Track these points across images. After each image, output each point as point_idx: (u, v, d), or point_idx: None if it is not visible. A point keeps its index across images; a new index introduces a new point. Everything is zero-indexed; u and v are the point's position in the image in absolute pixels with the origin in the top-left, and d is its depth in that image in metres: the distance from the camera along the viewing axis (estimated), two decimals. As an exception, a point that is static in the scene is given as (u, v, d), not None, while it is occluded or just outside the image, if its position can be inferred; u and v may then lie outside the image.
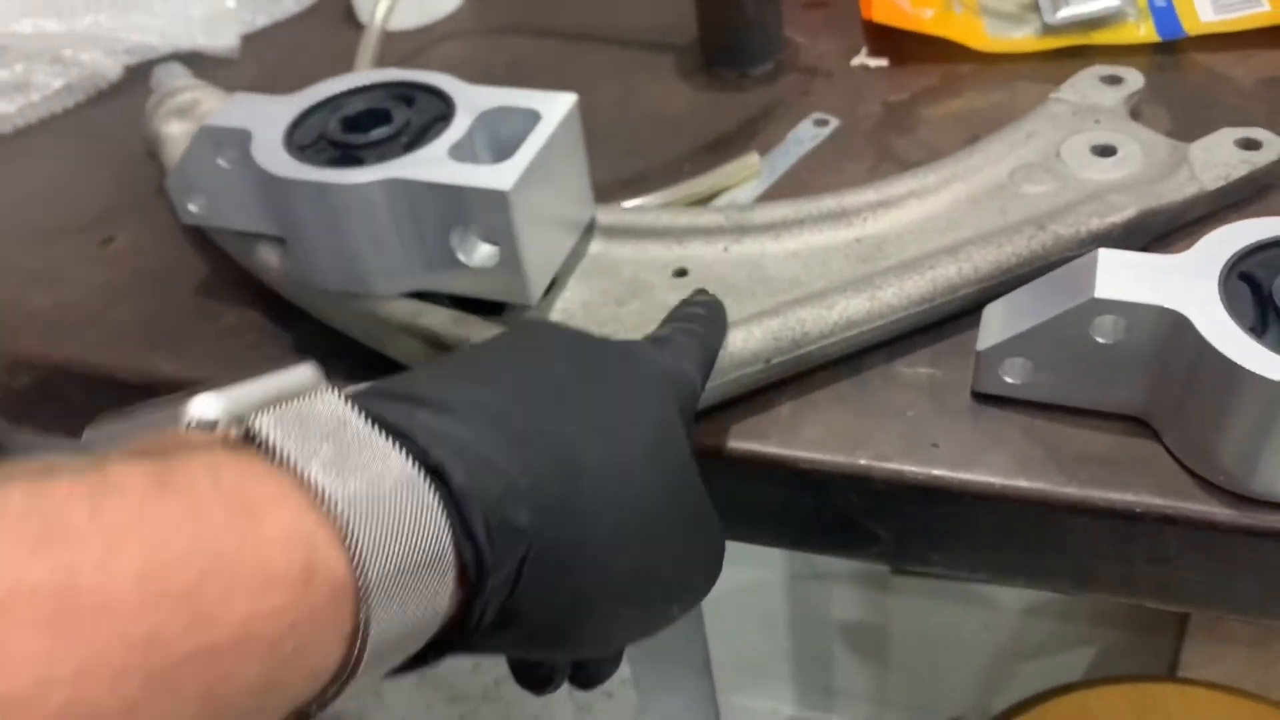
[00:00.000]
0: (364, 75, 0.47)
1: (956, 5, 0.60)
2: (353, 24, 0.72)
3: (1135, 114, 0.53)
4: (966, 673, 1.28)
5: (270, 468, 0.25)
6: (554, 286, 0.46)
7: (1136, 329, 0.38)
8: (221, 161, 0.47)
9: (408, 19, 0.68)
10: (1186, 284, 0.37)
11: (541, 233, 0.44)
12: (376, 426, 0.27)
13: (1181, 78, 0.56)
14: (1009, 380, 0.41)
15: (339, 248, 0.44)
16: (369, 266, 0.44)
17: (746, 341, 0.42)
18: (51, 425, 0.55)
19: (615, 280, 0.47)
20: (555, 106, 0.44)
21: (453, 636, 0.28)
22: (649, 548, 0.31)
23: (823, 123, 0.57)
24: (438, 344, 0.44)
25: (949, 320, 0.45)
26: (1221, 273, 0.37)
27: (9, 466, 0.22)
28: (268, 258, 0.49)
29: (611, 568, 0.30)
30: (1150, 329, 0.37)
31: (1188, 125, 0.53)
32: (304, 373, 0.28)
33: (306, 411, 0.27)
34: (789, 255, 0.47)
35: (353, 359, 0.47)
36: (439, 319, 0.44)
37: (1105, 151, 0.49)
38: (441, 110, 0.45)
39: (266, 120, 0.45)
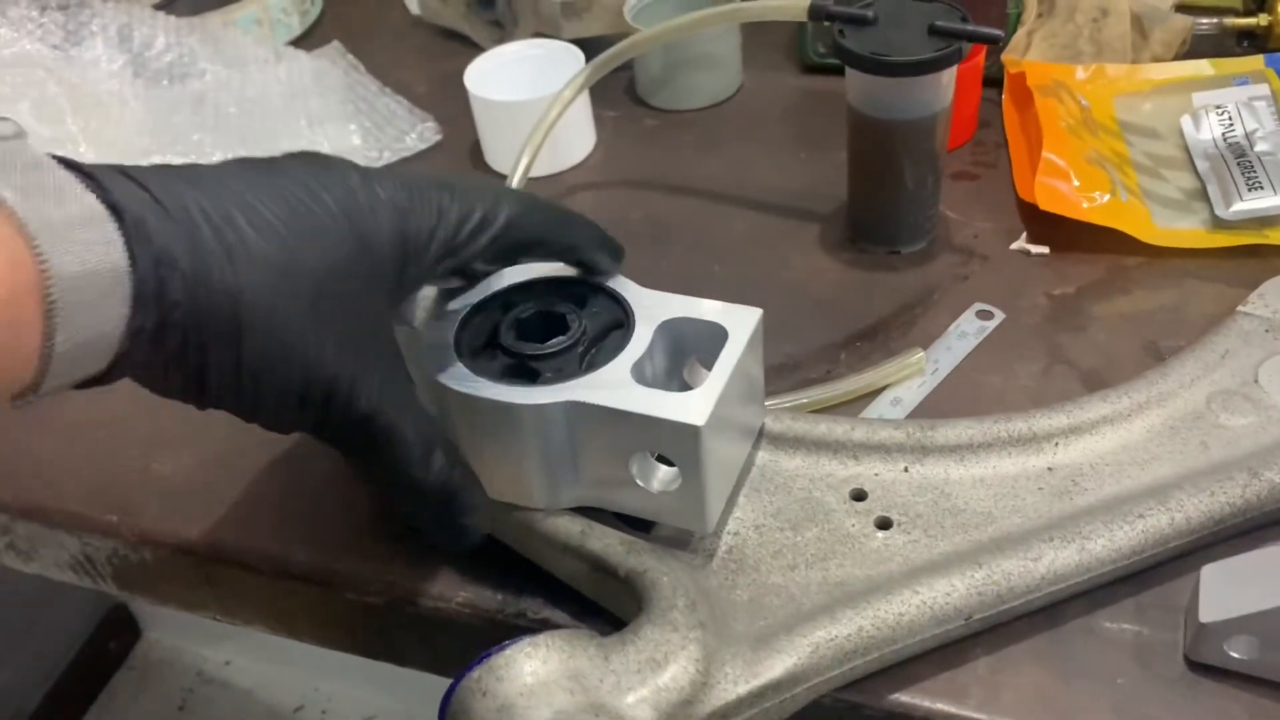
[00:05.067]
0: (532, 270, 0.45)
1: (1122, 192, 0.58)
2: (477, 160, 0.70)
3: (1327, 329, 0.50)
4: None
5: None
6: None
7: (1396, 625, 0.35)
8: None
9: (538, 167, 0.67)
10: None
11: (723, 457, 0.41)
12: (71, 171, 0.31)
13: (1369, 287, 0.54)
14: (1234, 655, 0.38)
15: (507, 460, 0.41)
16: (536, 481, 0.41)
17: (949, 596, 0.39)
18: (169, 598, 0.53)
19: (787, 498, 0.44)
20: (741, 322, 0.42)
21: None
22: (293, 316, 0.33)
23: (986, 315, 0.54)
24: (603, 569, 0.41)
25: (1151, 567, 0.42)
26: None
27: None
28: (418, 451, 0.46)
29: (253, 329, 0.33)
30: None
31: (1386, 346, 0.50)
32: (6, 127, 0.31)
33: (7, 151, 0.30)
34: (975, 482, 0.44)
35: (505, 569, 0.45)
36: (608, 543, 0.41)
37: (1308, 380, 0.46)
38: (616, 314, 0.43)
39: (433, 319, 0.43)
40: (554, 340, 0.42)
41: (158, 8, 0.85)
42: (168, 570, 0.50)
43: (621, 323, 0.43)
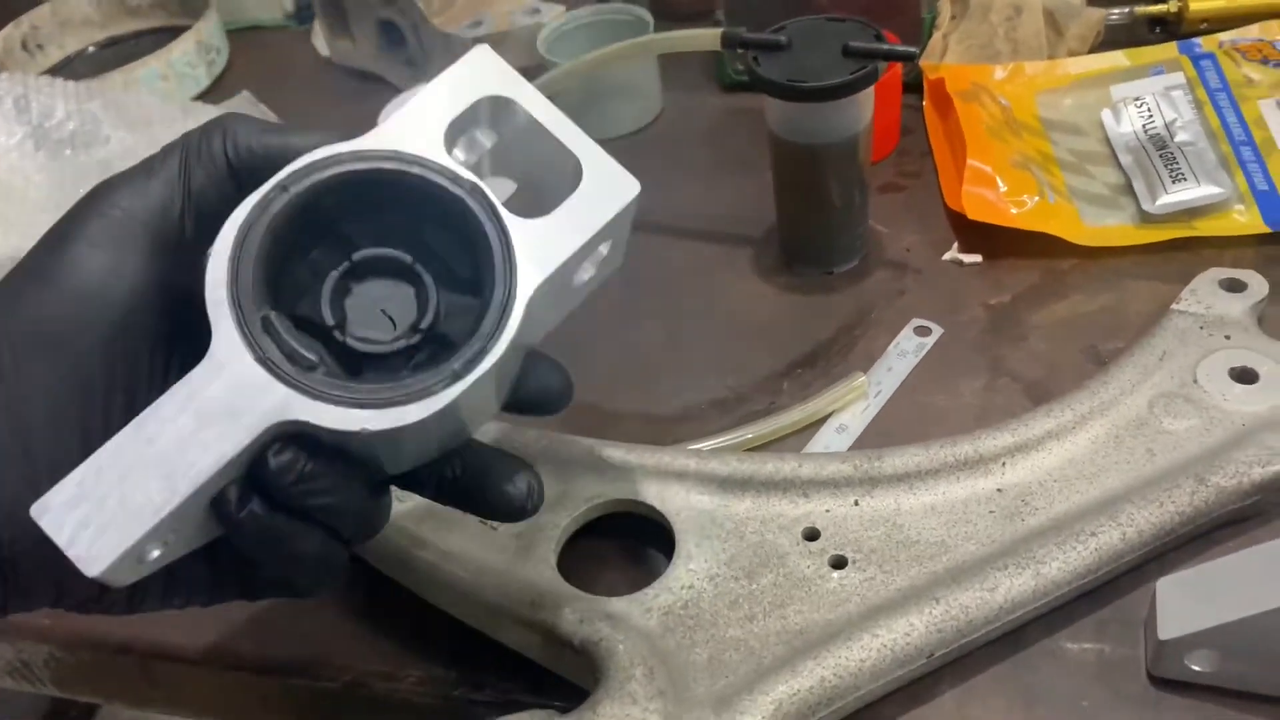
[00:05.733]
0: None
1: (1049, 193, 0.58)
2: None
3: (1260, 319, 0.50)
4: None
5: None
6: (676, 553, 0.43)
7: (1351, 630, 0.35)
8: None
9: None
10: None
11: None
12: None
13: (1295, 272, 0.54)
14: (1195, 668, 0.38)
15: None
16: None
17: (909, 636, 0.38)
18: (114, 696, 0.51)
19: (740, 544, 0.43)
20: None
21: None
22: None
23: (924, 331, 0.54)
24: (557, 639, 0.40)
25: (1107, 583, 0.42)
26: None
27: None
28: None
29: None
30: (1369, 633, 0.34)
31: (1316, 333, 0.50)
32: None
33: None
34: (927, 510, 0.44)
35: (458, 642, 0.43)
36: (559, 612, 0.40)
37: (1245, 376, 0.46)
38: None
39: None
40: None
41: (55, 70, 0.82)
42: (108, 670, 0.48)
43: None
